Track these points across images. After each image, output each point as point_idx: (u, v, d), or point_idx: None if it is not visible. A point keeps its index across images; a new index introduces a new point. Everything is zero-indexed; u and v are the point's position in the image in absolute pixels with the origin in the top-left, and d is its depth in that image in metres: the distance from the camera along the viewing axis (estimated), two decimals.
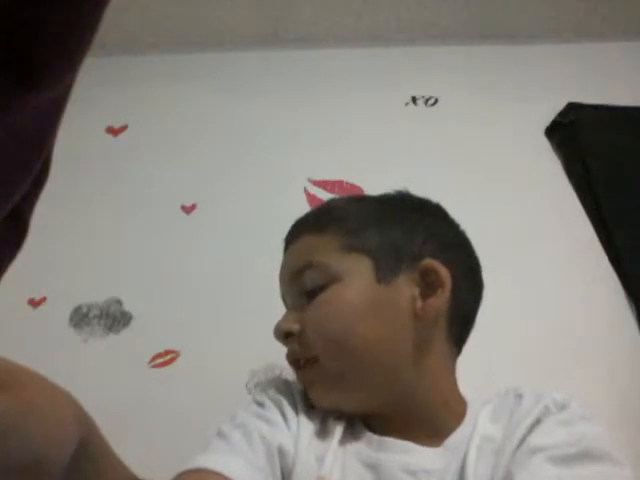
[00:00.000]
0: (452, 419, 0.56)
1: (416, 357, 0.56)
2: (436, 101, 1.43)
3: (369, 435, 0.56)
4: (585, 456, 0.46)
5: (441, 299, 0.57)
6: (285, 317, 0.60)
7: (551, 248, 1.16)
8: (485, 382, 0.95)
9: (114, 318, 1.08)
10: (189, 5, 1.48)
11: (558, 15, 1.52)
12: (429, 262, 0.57)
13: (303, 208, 1.29)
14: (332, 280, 0.56)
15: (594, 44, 1.53)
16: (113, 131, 1.40)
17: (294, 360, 0.59)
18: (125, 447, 0.92)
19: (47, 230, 1.08)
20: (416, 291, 0.57)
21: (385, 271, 0.56)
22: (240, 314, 1.06)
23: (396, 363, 0.56)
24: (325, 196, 1.24)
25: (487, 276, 1.13)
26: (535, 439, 0.48)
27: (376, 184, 1.26)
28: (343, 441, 0.56)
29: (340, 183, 1.25)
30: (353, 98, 1.43)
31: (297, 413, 0.58)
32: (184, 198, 1.25)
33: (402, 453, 0.53)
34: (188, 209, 1.24)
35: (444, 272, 0.57)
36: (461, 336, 0.63)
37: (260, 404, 0.59)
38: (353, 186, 1.24)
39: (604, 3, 1.50)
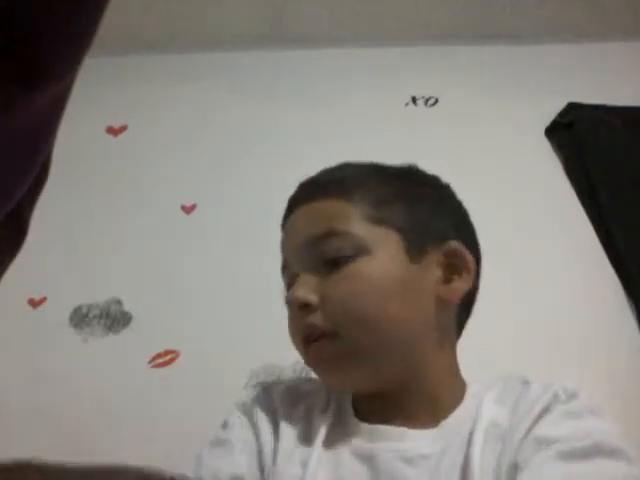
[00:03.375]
0: (451, 400, 0.54)
1: (436, 340, 0.55)
2: (436, 101, 1.43)
3: (361, 425, 0.54)
4: (596, 451, 0.45)
5: (466, 283, 0.56)
6: (301, 285, 0.53)
7: (551, 248, 1.16)
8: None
9: (114, 318, 1.08)
10: (189, 5, 1.48)
11: (558, 15, 1.52)
12: (456, 244, 0.56)
13: None
14: (360, 252, 0.53)
15: (594, 44, 1.53)
16: (113, 131, 1.40)
17: (308, 334, 0.54)
18: (125, 446, 0.92)
19: (47, 230, 1.08)
20: (440, 273, 0.55)
21: (414, 249, 0.54)
22: (240, 314, 1.06)
23: (419, 345, 0.54)
24: None
25: (487, 277, 1.13)
26: (541, 429, 0.47)
27: None
28: (332, 434, 0.54)
29: None
30: (353, 98, 1.43)
31: (277, 420, 0.56)
32: (184, 198, 1.25)
33: (397, 440, 0.51)
34: (188, 209, 1.24)
35: (469, 256, 0.56)
36: (464, 321, 0.62)
37: (225, 426, 0.57)
38: None
39: (604, 3, 1.50)
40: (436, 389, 0.55)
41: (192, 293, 1.11)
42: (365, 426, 0.54)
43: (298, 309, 0.54)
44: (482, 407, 0.52)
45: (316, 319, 0.53)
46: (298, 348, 0.56)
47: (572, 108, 1.33)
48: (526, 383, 0.53)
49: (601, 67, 1.47)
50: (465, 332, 1.05)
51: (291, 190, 1.36)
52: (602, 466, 0.44)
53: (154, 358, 1.02)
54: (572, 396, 0.50)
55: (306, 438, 0.54)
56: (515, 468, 0.46)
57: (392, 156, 1.32)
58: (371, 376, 0.53)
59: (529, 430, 0.47)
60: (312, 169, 1.44)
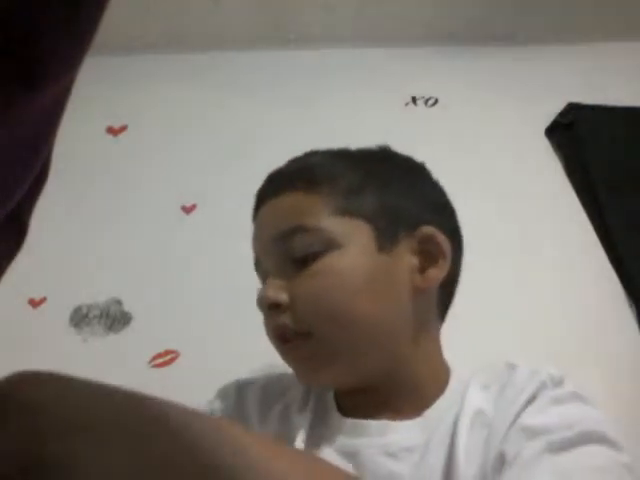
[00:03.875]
0: (435, 388, 0.53)
1: (414, 330, 0.53)
2: (436, 101, 1.43)
3: (343, 420, 0.53)
4: (583, 440, 0.44)
5: (442, 270, 0.54)
6: (270, 285, 0.53)
7: (551, 248, 1.16)
8: None
9: (114, 318, 1.08)
10: (189, 5, 1.48)
11: (558, 16, 1.52)
12: (429, 230, 0.54)
13: None
14: (329, 247, 0.51)
15: (594, 44, 1.53)
16: (113, 131, 1.40)
17: (280, 334, 0.53)
18: None
19: (47, 230, 1.08)
20: (415, 261, 0.53)
21: (385, 239, 0.52)
22: (240, 314, 1.06)
23: (395, 337, 0.52)
24: None
25: (487, 277, 1.13)
26: (528, 418, 0.46)
27: None
28: (314, 433, 0.52)
29: None
30: (353, 98, 1.43)
31: (250, 426, 0.55)
32: (184, 198, 1.25)
33: (379, 435, 0.50)
34: (188, 209, 1.24)
35: (445, 241, 0.54)
36: (447, 305, 0.60)
37: None
38: None
39: (604, 3, 1.50)
40: (418, 378, 0.53)
41: (192, 293, 1.11)
42: (347, 421, 0.52)
43: (268, 309, 0.53)
44: (467, 394, 0.50)
45: (287, 319, 0.51)
46: (275, 347, 0.55)
47: (572, 108, 1.33)
48: (512, 367, 0.52)
49: (601, 67, 1.47)
50: (464, 332, 1.04)
51: None
52: (589, 454, 0.44)
53: (154, 358, 1.02)
54: (558, 383, 0.49)
55: (286, 438, 0.53)
56: (501, 457, 0.45)
57: None
58: (349, 372, 0.52)
59: (515, 418, 0.46)
60: None
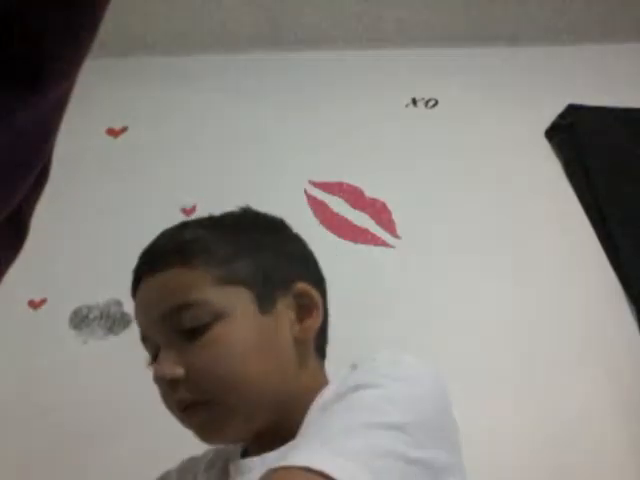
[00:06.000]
0: None
1: (298, 376, 0.58)
2: (436, 103, 1.43)
3: (230, 466, 0.56)
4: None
5: (317, 320, 0.59)
6: (164, 360, 0.55)
7: (551, 249, 1.16)
8: (487, 383, 0.95)
9: (114, 319, 1.08)
10: (189, 6, 1.48)
11: (558, 17, 1.53)
12: (302, 286, 0.59)
13: (303, 209, 1.30)
14: (216, 317, 0.54)
15: (594, 46, 1.54)
16: (113, 132, 1.40)
17: (181, 406, 0.56)
18: (125, 447, 0.92)
19: (47, 231, 1.08)
20: (292, 315, 0.58)
21: (265, 301, 0.57)
22: None
23: (285, 387, 0.57)
24: (325, 197, 1.24)
25: (488, 277, 1.13)
26: (348, 386, 0.50)
27: (376, 185, 1.27)
28: None
29: (340, 184, 1.26)
30: (353, 99, 1.43)
31: None
32: (184, 199, 1.25)
33: (258, 468, 0.52)
34: (188, 211, 1.24)
35: (316, 294, 0.59)
36: (323, 344, 0.65)
37: None
38: (353, 187, 1.24)
39: (603, 5, 1.50)
40: (303, 409, 0.56)
41: None
42: (232, 466, 0.56)
43: (167, 386, 0.55)
44: (321, 399, 0.54)
45: (186, 393, 0.54)
46: (175, 417, 0.58)
47: (572, 109, 1.33)
48: (354, 366, 0.55)
49: (601, 69, 1.48)
50: (464, 332, 1.05)
51: (291, 192, 1.36)
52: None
53: None
54: (394, 363, 0.52)
55: None
56: None
57: (392, 157, 1.33)
58: (249, 425, 0.56)
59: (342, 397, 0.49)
60: (312, 170, 1.44)
